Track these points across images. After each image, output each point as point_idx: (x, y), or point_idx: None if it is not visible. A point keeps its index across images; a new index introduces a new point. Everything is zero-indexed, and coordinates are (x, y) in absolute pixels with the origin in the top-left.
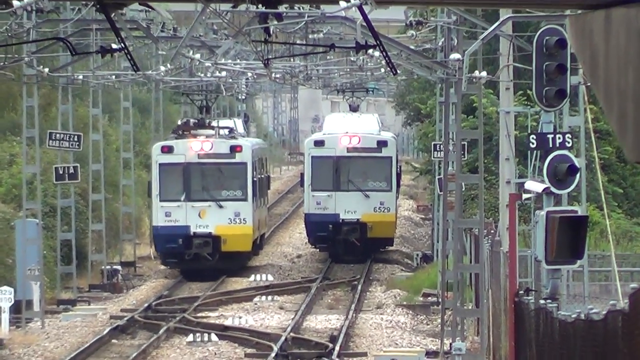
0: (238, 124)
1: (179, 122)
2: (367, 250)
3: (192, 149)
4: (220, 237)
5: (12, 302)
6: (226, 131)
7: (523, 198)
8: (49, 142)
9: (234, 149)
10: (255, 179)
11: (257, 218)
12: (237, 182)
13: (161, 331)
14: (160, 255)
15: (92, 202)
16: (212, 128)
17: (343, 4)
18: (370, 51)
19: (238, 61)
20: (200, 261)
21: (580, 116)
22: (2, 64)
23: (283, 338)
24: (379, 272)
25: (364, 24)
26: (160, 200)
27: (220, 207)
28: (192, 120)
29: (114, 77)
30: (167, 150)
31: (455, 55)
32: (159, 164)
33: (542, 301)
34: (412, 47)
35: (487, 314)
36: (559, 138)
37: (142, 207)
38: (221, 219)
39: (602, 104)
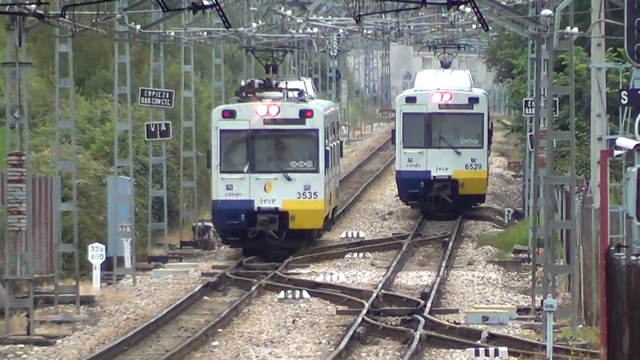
0: (308, 84)
1: (242, 83)
2: (459, 207)
3: (257, 113)
4: (288, 212)
5: (104, 259)
6: (295, 93)
7: (614, 154)
8: (141, 99)
9: (304, 114)
10: (327, 147)
11: (329, 191)
12: (308, 151)
13: (253, 288)
14: (220, 233)
15: (184, 160)
16: (280, 90)
17: None
18: (461, 7)
19: (329, 17)
20: (266, 240)
21: None
22: (94, 21)
23: (374, 295)
24: (470, 228)
25: None
26: (221, 172)
27: (289, 179)
28: (257, 81)
29: (205, 33)
30: (229, 114)
31: (546, 11)
32: (220, 131)
33: (633, 257)
34: (503, 3)
35: (578, 271)
36: None
37: None
38: (289, 193)
39: None
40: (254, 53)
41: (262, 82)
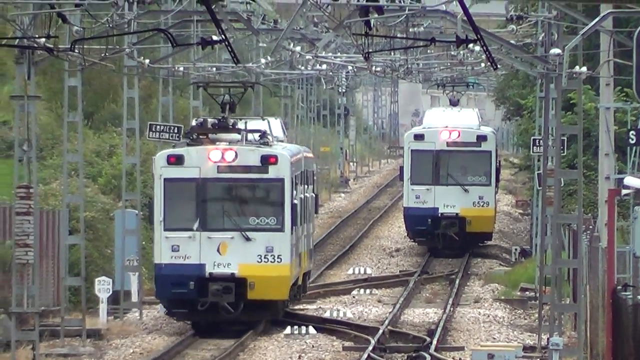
0: (275, 125)
1: (194, 123)
2: (466, 244)
3: (209, 159)
4: (246, 280)
5: (111, 292)
6: (257, 136)
7: (622, 194)
8: (149, 133)
9: (267, 160)
10: (295, 200)
11: (297, 254)
12: (271, 205)
13: (259, 323)
14: (164, 303)
15: None
16: (238, 131)
17: None
18: (470, 45)
19: (338, 54)
20: (219, 313)
21: None
22: (103, 55)
23: (381, 331)
24: (477, 266)
25: (465, 18)
26: (165, 229)
27: (247, 239)
28: (210, 121)
29: (214, 69)
30: (176, 160)
31: (555, 51)
32: (164, 180)
33: (639, 297)
34: (512, 41)
35: (585, 309)
36: None
37: None
38: (248, 256)
39: None
40: (207, 89)
41: (217, 121)
